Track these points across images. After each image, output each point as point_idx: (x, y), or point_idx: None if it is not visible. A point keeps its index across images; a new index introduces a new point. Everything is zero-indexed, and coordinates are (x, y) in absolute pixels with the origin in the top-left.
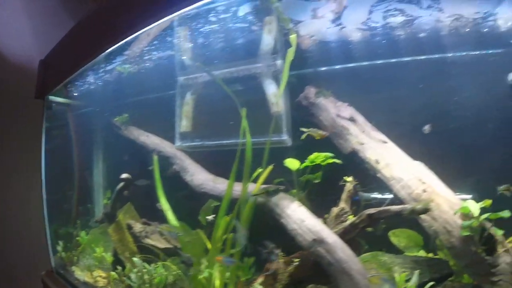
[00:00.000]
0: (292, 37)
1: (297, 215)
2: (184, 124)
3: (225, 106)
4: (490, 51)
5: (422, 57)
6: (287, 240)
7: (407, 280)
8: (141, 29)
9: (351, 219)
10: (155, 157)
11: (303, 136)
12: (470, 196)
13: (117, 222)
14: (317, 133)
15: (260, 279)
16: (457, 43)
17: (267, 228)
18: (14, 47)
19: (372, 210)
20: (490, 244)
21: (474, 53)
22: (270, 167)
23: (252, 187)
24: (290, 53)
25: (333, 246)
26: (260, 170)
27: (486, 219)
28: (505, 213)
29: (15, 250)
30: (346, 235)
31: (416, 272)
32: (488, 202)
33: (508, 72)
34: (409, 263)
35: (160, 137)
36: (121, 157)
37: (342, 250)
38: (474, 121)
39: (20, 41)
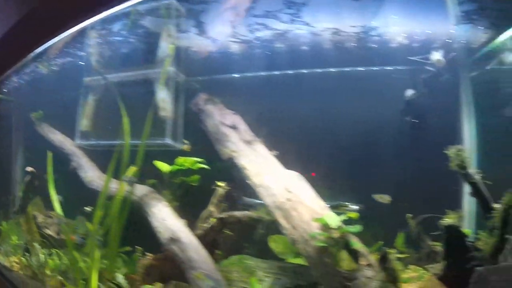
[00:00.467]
0: (171, 47)
1: (161, 214)
2: (84, 123)
3: (120, 109)
4: (390, 68)
5: (307, 71)
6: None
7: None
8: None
9: (212, 222)
10: (49, 154)
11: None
12: (356, 207)
13: (27, 213)
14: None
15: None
16: (346, 58)
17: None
18: None
19: (223, 215)
20: (352, 257)
21: (372, 68)
22: (133, 168)
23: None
24: (167, 63)
25: (187, 246)
26: (133, 168)
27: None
28: (355, 228)
29: None
30: (206, 236)
31: (271, 277)
32: (353, 214)
33: (406, 89)
34: (274, 268)
35: (64, 135)
36: (37, 151)
37: (195, 250)
38: (363, 135)
39: None
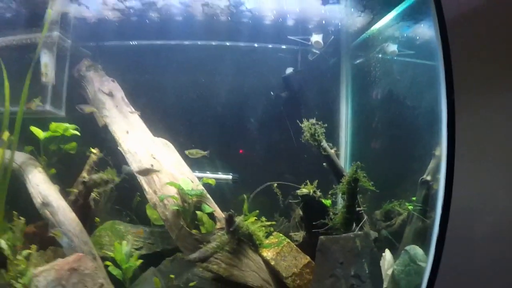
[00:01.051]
0: (48, 11)
1: (35, 180)
2: None
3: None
4: (269, 45)
5: (183, 42)
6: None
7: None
8: None
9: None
10: None
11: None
12: (230, 176)
13: None
14: (87, 108)
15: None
16: (221, 30)
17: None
18: None
19: (86, 179)
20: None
21: (251, 44)
22: (6, 133)
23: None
24: (46, 26)
25: (56, 209)
26: (7, 133)
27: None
28: (198, 192)
29: None
30: (77, 202)
31: (127, 241)
32: (210, 180)
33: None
34: (144, 233)
35: None
36: None
37: (63, 214)
38: (241, 106)
39: None
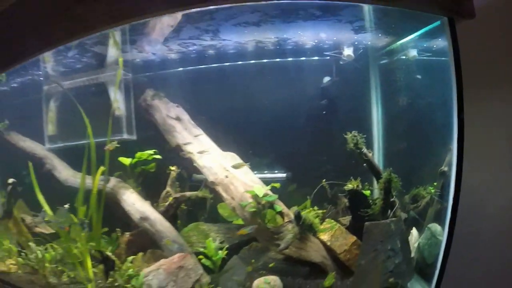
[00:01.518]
0: (120, 60)
1: (130, 199)
2: (50, 128)
3: (79, 112)
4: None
5: (234, 65)
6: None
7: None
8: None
9: (170, 200)
10: (30, 163)
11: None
12: (284, 174)
13: (14, 217)
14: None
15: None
16: (269, 53)
17: (116, 210)
18: None
19: (177, 195)
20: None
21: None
22: (101, 168)
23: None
24: (119, 74)
25: (154, 221)
26: (102, 168)
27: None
28: (272, 198)
29: None
30: (168, 212)
31: (218, 238)
32: (276, 184)
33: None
34: (223, 230)
35: (34, 141)
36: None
37: (160, 224)
38: (289, 117)
39: None
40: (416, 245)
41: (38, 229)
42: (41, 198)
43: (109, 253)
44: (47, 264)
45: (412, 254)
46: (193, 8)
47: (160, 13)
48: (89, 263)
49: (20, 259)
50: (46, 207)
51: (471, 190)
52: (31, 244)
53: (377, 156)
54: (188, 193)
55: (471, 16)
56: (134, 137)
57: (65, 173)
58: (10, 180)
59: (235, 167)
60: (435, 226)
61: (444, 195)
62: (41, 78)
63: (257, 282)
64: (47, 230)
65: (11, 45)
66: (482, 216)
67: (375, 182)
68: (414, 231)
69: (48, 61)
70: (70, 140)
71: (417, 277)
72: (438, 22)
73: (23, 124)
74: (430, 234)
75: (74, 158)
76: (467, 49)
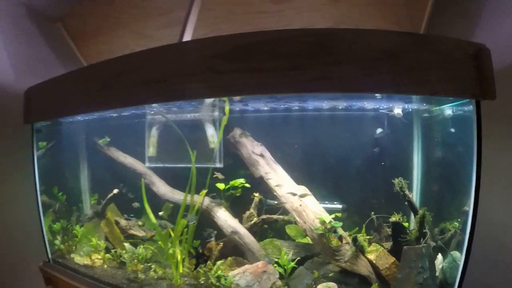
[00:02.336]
0: (226, 108)
1: (223, 217)
2: (151, 150)
3: (179, 140)
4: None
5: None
6: (218, 232)
7: (288, 256)
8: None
9: (255, 219)
10: (142, 180)
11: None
12: (340, 206)
13: (107, 218)
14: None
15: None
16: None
17: (208, 224)
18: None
19: (264, 217)
20: (338, 239)
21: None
22: (204, 191)
23: (196, 198)
24: (224, 120)
25: (243, 235)
26: (204, 191)
27: (332, 225)
28: (338, 224)
29: (14, 250)
30: (252, 228)
31: (292, 251)
32: (338, 214)
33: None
34: (292, 246)
35: (134, 158)
36: (101, 170)
37: (247, 237)
38: (348, 161)
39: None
40: (440, 267)
41: (132, 231)
42: (148, 208)
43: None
44: (139, 264)
45: (437, 274)
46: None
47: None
48: (181, 261)
49: (108, 254)
50: (151, 215)
51: (489, 227)
52: (126, 244)
53: (415, 195)
54: (275, 216)
55: (493, 98)
56: (221, 165)
57: (163, 188)
58: (116, 191)
59: (302, 196)
60: (456, 253)
61: (465, 229)
62: (148, 110)
63: (321, 286)
64: (140, 233)
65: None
66: (496, 248)
67: (412, 216)
68: (439, 256)
69: None
70: (166, 162)
71: None
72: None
73: (127, 144)
74: (452, 260)
75: (169, 177)
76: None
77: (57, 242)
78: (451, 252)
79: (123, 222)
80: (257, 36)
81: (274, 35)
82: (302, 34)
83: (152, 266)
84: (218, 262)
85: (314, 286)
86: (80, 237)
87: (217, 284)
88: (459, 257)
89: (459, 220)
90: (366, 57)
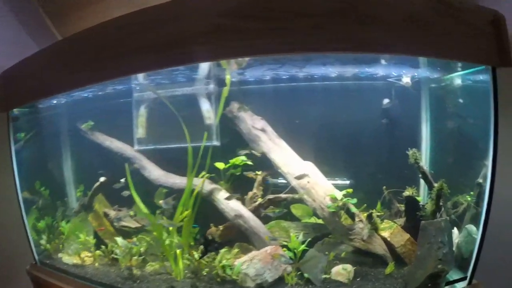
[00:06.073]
0: (227, 78)
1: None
2: (140, 131)
3: (171, 118)
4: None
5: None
6: (220, 215)
7: (298, 238)
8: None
9: (259, 200)
10: (127, 165)
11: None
12: (348, 182)
13: (95, 211)
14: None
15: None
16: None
17: (209, 208)
18: None
19: (270, 196)
20: (350, 216)
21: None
22: (205, 174)
23: (196, 182)
24: (225, 91)
25: (247, 218)
26: (204, 173)
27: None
28: (353, 200)
29: None
30: (257, 211)
31: (302, 232)
32: (349, 190)
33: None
34: (300, 227)
35: (121, 142)
36: (86, 157)
37: (253, 220)
38: (355, 133)
39: None
40: (456, 241)
41: (123, 223)
42: (136, 196)
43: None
44: (134, 257)
45: (454, 248)
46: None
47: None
48: (180, 254)
49: (98, 251)
50: (141, 204)
51: (504, 199)
52: (118, 238)
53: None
54: (283, 195)
55: (510, 65)
56: (217, 143)
57: (155, 172)
58: (102, 179)
59: (298, 178)
60: (471, 227)
61: (479, 202)
62: (134, 85)
63: (336, 268)
64: (133, 224)
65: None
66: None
67: (421, 189)
68: (455, 230)
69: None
70: (158, 143)
71: (454, 269)
72: (482, 67)
73: (112, 126)
74: (467, 233)
75: (162, 160)
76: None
77: (42, 241)
78: (466, 226)
79: (112, 214)
80: None
81: None
82: None
83: (147, 259)
84: (222, 250)
85: (329, 270)
86: (67, 234)
87: (223, 275)
88: (475, 231)
89: (471, 193)
90: (391, 19)
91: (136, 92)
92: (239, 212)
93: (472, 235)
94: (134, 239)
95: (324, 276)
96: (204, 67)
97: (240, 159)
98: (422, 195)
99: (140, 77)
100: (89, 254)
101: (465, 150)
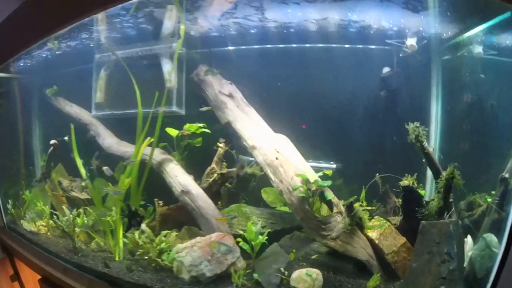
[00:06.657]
0: (182, 28)
1: (173, 172)
2: (98, 95)
3: (130, 81)
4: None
5: (293, 46)
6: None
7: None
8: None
9: (215, 176)
10: (72, 126)
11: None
12: (335, 166)
13: (51, 179)
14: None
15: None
16: (330, 36)
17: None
18: None
19: (223, 171)
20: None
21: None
22: (148, 139)
23: (147, 150)
24: (179, 44)
25: (196, 196)
26: (150, 139)
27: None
28: (325, 183)
29: None
30: (211, 189)
31: (262, 220)
32: (328, 172)
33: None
34: (265, 214)
35: (80, 107)
36: (53, 124)
37: (202, 200)
38: (346, 107)
39: None
40: (469, 254)
41: (73, 194)
42: (79, 161)
43: (143, 225)
44: (77, 229)
45: (464, 264)
46: None
47: None
48: (120, 232)
49: (51, 221)
50: (82, 170)
51: None
52: (64, 207)
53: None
54: (235, 169)
55: None
56: (182, 112)
57: (108, 140)
58: (52, 141)
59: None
60: (490, 237)
61: (503, 204)
62: (92, 45)
63: (297, 273)
64: (82, 195)
65: None
66: None
67: (428, 183)
68: (469, 239)
69: (102, 29)
70: (117, 108)
71: None
72: (508, 14)
73: (70, 88)
74: (484, 245)
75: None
76: None
77: (9, 206)
78: (484, 235)
79: (65, 183)
80: None
81: None
82: None
83: (93, 236)
84: (163, 232)
85: (287, 273)
86: (28, 203)
87: (157, 259)
88: (495, 242)
89: (493, 192)
90: None
91: (97, 53)
92: (187, 188)
93: (491, 248)
94: (80, 210)
95: (280, 280)
96: (168, 24)
97: (196, 125)
98: (428, 191)
99: (102, 36)
100: (44, 223)
101: (487, 137)
